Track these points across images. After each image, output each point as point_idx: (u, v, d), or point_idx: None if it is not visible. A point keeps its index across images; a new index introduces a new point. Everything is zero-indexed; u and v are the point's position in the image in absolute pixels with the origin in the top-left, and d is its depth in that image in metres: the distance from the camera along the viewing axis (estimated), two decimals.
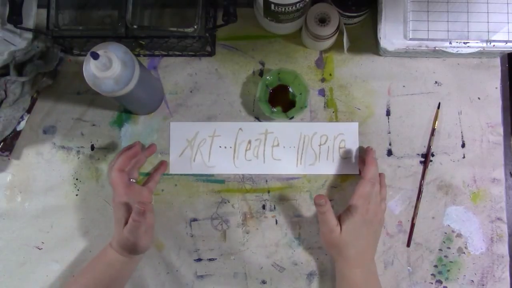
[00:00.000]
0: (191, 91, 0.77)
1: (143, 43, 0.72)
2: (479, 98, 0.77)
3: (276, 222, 0.76)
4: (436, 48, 0.72)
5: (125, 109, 0.77)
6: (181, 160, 0.76)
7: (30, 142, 0.77)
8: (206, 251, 0.75)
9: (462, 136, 0.76)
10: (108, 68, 0.59)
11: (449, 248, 0.75)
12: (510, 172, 0.76)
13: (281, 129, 0.76)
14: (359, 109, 0.77)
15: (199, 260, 0.75)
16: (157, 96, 0.76)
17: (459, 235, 0.75)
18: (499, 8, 0.71)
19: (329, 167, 0.76)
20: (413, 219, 0.75)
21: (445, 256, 0.75)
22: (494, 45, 0.71)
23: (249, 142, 0.76)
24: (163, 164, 0.76)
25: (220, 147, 0.76)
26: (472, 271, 0.74)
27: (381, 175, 0.73)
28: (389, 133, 0.76)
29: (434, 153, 0.76)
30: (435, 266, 0.75)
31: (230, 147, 0.76)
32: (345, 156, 0.76)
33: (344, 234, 0.67)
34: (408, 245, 0.75)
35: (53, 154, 0.77)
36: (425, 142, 0.76)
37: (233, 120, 0.77)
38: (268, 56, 0.78)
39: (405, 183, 0.76)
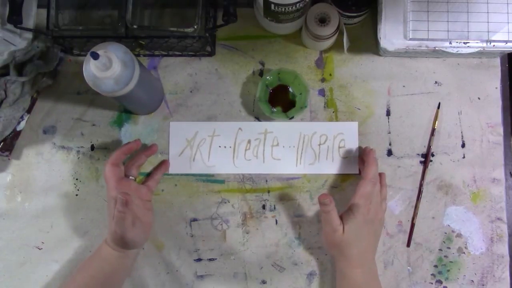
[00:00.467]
0: (191, 91, 0.77)
1: (143, 43, 0.72)
2: (479, 98, 0.77)
3: (276, 222, 0.76)
4: (436, 48, 0.72)
5: (125, 109, 0.77)
6: (181, 160, 0.76)
7: (30, 142, 0.77)
8: (206, 251, 0.75)
9: (462, 136, 0.76)
10: (108, 68, 0.59)
11: (449, 248, 0.75)
12: (510, 172, 0.76)
13: (281, 129, 0.76)
14: (359, 109, 0.77)
15: (199, 260, 0.75)
16: (157, 96, 0.76)
17: (459, 235, 0.75)
18: (499, 8, 0.71)
19: (328, 167, 0.76)
20: (413, 219, 0.75)
21: (445, 256, 0.75)
22: (494, 45, 0.71)
23: (249, 141, 0.76)
24: (164, 163, 0.75)
25: (219, 146, 0.76)
26: (472, 271, 0.74)
27: (381, 174, 0.73)
28: (389, 133, 0.76)
29: (434, 153, 0.76)
30: (435, 266, 0.75)
31: (230, 147, 0.76)
32: (345, 156, 0.76)
33: (347, 234, 0.67)
34: (408, 245, 0.75)
35: (53, 154, 0.77)
36: (425, 142, 0.76)
37: (233, 120, 0.77)
38: (268, 56, 0.78)
39: (405, 183, 0.76)
